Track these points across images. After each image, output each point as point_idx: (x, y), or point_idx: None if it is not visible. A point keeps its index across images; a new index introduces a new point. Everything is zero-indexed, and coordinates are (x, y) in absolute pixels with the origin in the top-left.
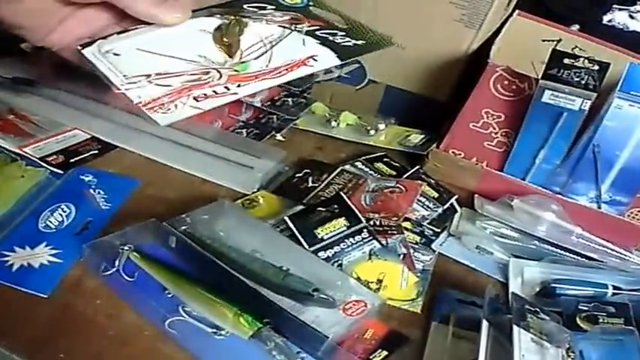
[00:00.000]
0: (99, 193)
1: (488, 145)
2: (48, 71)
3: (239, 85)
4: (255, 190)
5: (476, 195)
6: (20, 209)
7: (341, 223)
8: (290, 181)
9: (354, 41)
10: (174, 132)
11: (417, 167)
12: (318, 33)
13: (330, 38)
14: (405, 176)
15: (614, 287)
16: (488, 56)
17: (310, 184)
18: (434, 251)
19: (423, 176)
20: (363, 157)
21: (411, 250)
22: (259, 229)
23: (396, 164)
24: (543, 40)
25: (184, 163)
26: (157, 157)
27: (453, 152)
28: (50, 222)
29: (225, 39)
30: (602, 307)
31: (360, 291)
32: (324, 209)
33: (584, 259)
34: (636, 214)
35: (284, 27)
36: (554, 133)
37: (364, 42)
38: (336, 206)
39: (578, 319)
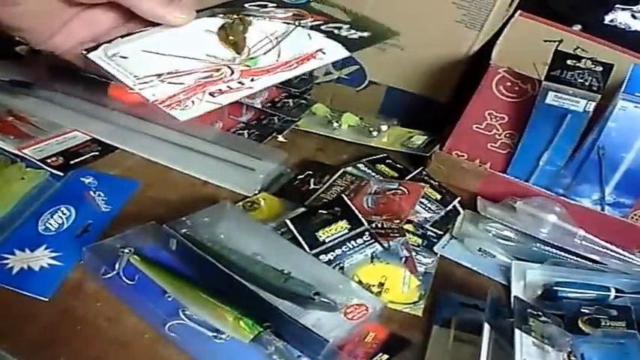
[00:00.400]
0: (99, 195)
1: (492, 147)
2: (44, 74)
3: (253, 79)
4: (256, 192)
5: (479, 197)
6: (20, 211)
7: (343, 225)
8: (291, 183)
9: (359, 33)
10: (175, 133)
11: (420, 169)
12: (322, 27)
13: (336, 32)
14: (407, 178)
15: (617, 290)
16: (489, 57)
17: (312, 186)
18: (436, 254)
19: (425, 178)
20: (365, 159)
21: (413, 253)
22: (260, 231)
23: (399, 166)
24: (545, 41)
25: (185, 164)
26: (158, 159)
27: (457, 154)
28: (50, 224)
29: (230, 37)
30: (604, 310)
31: (362, 294)
32: (325, 212)
33: (586, 262)
34: None
35: (288, 23)
36: (558, 134)
37: (370, 34)
38: (337, 209)
39: (580, 322)
